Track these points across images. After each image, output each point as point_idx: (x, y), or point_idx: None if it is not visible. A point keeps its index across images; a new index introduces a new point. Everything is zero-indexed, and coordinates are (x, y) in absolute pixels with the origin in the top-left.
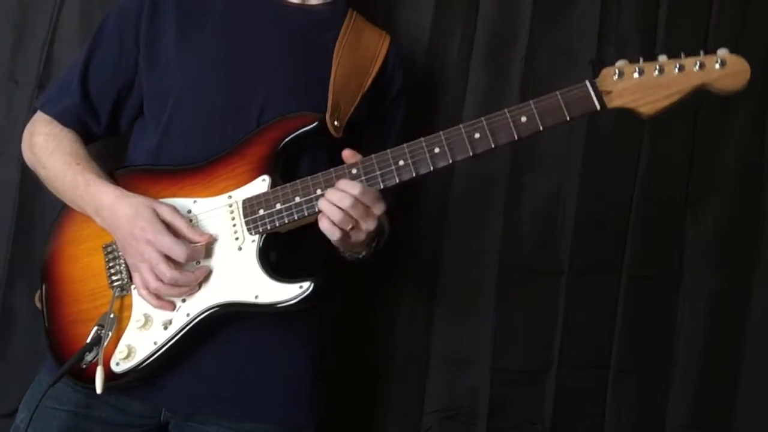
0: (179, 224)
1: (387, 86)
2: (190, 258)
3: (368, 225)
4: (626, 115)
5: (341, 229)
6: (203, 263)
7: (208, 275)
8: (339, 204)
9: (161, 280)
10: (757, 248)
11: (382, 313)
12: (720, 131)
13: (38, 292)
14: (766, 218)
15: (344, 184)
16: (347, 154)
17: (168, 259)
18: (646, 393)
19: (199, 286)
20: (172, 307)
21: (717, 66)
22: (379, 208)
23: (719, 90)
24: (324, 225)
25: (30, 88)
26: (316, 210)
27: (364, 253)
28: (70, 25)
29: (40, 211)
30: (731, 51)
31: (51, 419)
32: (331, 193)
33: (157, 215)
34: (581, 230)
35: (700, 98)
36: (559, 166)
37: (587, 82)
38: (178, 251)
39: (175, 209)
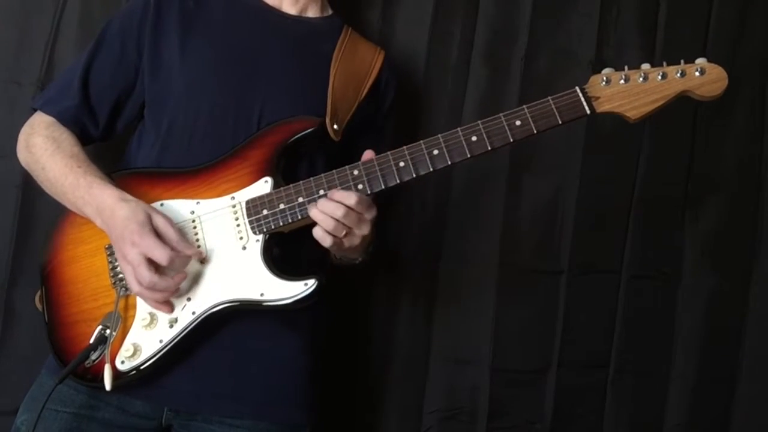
0: (170, 235)
1: (381, 98)
2: (172, 262)
3: (362, 230)
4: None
5: (334, 236)
6: (203, 269)
7: (213, 274)
8: (332, 214)
9: (142, 284)
10: (756, 248)
11: (382, 312)
12: (719, 131)
13: (38, 293)
14: (764, 218)
15: (339, 195)
16: (368, 154)
17: (151, 262)
18: (645, 393)
19: (204, 285)
20: (170, 309)
21: (697, 74)
22: (371, 213)
23: (699, 96)
24: (317, 233)
25: (33, 90)
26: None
27: (360, 259)
28: (71, 27)
29: (43, 213)
30: (730, 51)
31: (53, 421)
32: (323, 204)
33: (150, 220)
34: (581, 230)
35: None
36: (559, 165)
37: (577, 89)
38: (159, 254)
39: (170, 221)
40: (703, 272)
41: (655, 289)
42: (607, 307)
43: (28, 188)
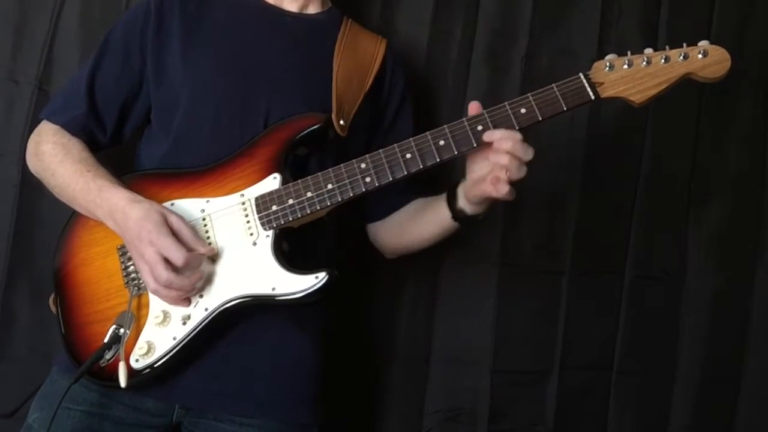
0: (185, 233)
1: (390, 87)
2: (188, 263)
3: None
4: (626, 112)
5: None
6: (215, 266)
7: (225, 271)
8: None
9: (159, 282)
10: (760, 248)
11: (383, 312)
12: (722, 130)
13: (52, 296)
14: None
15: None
16: (474, 106)
17: (167, 262)
18: (649, 394)
19: (216, 282)
20: (187, 303)
21: (700, 56)
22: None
23: (703, 78)
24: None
25: (30, 88)
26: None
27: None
28: (70, 25)
29: (40, 212)
30: (733, 50)
31: (65, 419)
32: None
33: (166, 221)
34: (583, 230)
35: (702, 98)
36: (560, 165)
37: (581, 75)
38: (176, 254)
39: (183, 219)
40: (707, 272)
41: (658, 290)
42: (610, 308)
43: (26, 187)
